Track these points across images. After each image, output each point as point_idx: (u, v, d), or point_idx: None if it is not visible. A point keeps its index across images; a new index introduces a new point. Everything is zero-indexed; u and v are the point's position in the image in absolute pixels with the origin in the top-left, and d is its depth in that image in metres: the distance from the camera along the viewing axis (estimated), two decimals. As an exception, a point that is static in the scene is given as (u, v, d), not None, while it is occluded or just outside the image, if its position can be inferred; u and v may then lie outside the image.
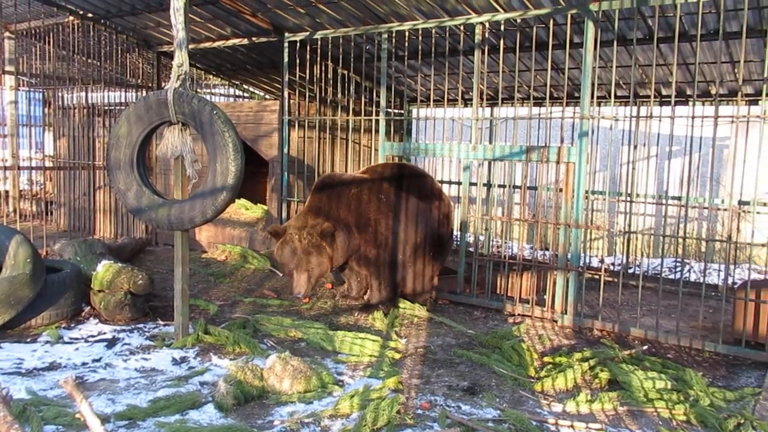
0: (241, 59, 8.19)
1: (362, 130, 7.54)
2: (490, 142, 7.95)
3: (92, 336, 4.89)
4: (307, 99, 7.21)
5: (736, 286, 5.40)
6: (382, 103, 6.52)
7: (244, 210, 8.30)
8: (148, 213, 4.73)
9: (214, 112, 4.47)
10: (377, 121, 6.64)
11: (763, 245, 5.39)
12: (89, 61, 8.93)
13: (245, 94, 10.80)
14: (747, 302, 4.78)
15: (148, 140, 4.85)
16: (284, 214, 7.21)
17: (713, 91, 6.60)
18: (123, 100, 8.99)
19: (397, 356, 4.66)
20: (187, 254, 4.81)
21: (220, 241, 8.09)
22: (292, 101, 7.28)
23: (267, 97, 10.22)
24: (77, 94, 9.14)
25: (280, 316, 5.52)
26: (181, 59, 4.50)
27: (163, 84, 8.81)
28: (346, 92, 7.39)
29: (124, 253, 7.19)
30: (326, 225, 5.31)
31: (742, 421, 3.51)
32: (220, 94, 11.15)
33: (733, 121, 6.49)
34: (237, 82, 10.23)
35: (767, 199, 6.10)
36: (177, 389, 3.83)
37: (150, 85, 9.12)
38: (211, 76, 10.14)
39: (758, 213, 5.04)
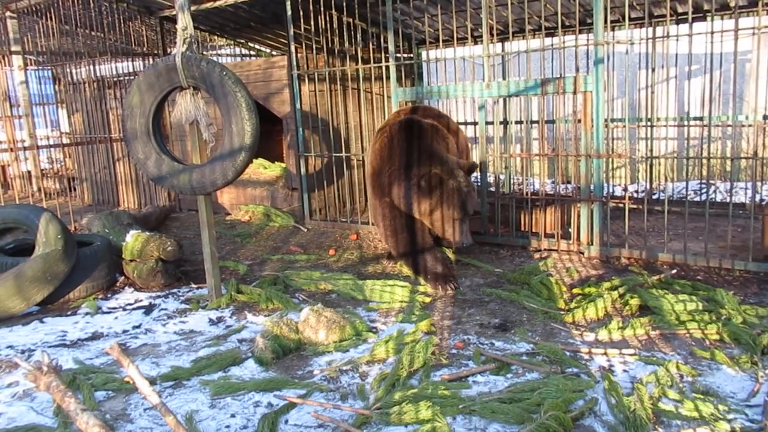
0: (244, 17, 8.06)
1: (373, 78, 7.44)
2: (504, 79, 7.80)
3: (129, 304, 5.02)
4: (314, 52, 7.11)
5: (764, 203, 5.33)
6: (391, 48, 6.40)
7: (262, 169, 8.33)
8: (169, 180, 4.78)
9: (224, 73, 4.44)
10: (387, 67, 6.54)
11: (790, 159, 5.29)
12: (93, 33, 8.87)
13: (252, 53, 10.68)
14: (776, 218, 4.72)
15: (161, 108, 4.85)
16: (303, 170, 7.22)
17: (732, 3, 6.35)
18: (131, 70, 8.96)
19: (428, 300, 4.73)
20: (212, 217, 4.87)
21: (242, 202, 8.16)
22: (299, 55, 7.18)
23: (274, 53, 10.09)
24: (85, 68, 9.12)
25: (309, 270, 5.60)
26: (184, 22, 4.45)
27: (169, 50, 8.74)
28: (354, 41, 7.26)
29: (150, 222, 7.30)
30: (469, 162, 5.26)
31: (775, 336, 3.52)
32: (227, 55, 11.04)
33: (754, 33, 6.27)
34: (242, 41, 10.10)
35: (793, 111, 5.94)
36: (217, 348, 3.95)
37: (156, 52, 9.06)
38: (215, 38, 10.02)
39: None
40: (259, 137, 4.62)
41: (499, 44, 8.05)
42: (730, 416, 2.80)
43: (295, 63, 7.09)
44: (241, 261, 6.07)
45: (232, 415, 3.10)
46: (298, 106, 7.14)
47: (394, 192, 5.07)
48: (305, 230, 7.13)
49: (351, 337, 3.99)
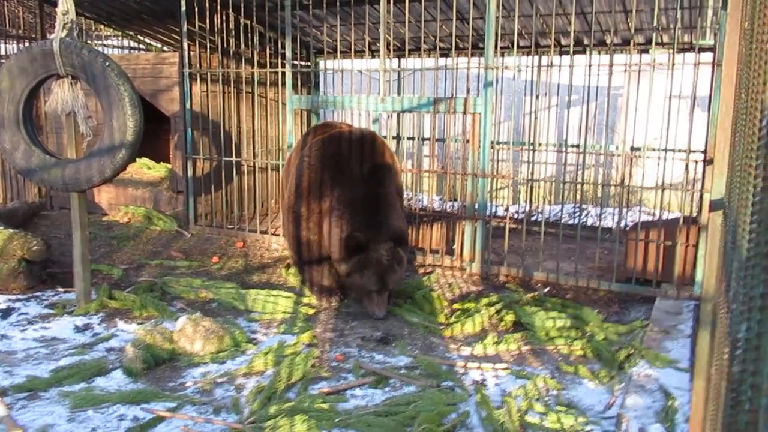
0: (135, 8, 7.67)
1: (268, 83, 7.31)
2: (399, 94, 7.95)
3: (-17, 308, 4.58)
4: (208, 51, 6.88)
5: (628, 228, 5.76)
6: (288, 54, 6.33)
7: (146, 169, 7.94)
8: (39, 174, 4.43)
9: (107, 64, 4.20)
10: (284, 73, 6.46)
11: (652, 188, 5.76)
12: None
13: (141, 46, 10.18)
14: (637, 242, 5.11)
15: (34, 95, 4.51)
16: (190, 173, 6.95)
17: (608, 40, 6.86)
18: (3, 53, 8.25)
19: (311, 311, 4.68)
20: (86, 217, 4.56)
21: (122, 202, 7.72)
22: (192, 53, 6.93)
23: (165, 49, 9.68)
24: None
25: (190, 277, 5.38)
26: (66, 6, 4.17)
27: (48, 35, 8.14)
28: (250, 43, 7.11)
29: (16, 219, 6.73)
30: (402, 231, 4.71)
31: (632, 352, 3.80)
32: (114, 46, 10.44)
33: (626, 70, 6.80)
34: (131, 33, 9.61)
35: (656, 144, 6.49)
36: (81, 357, 3.69)
37: (33, 36, 8.40)
38: (102, 27, 9.46)
39: (648, 158, 5.36)
40: (144, 135, 4.40)
41: (396, 60, 8.20)
42: (588, 428, 2.97)
43: (187, 61, 6.83)
44: (117, 265, 5.72)
45: (93, 430, 2.90)
46: (188, 105, 6.87)
47: (326, 227, 4.57)
48: (189, 235, 6.85)
49: (229, 348, 3.86)
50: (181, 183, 7.24)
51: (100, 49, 8.69)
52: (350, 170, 4.59)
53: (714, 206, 2.75)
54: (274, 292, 4.90)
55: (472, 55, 6.60)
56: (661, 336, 4.09)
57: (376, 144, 4.79)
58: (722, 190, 2.64)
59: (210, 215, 7.20)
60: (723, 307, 1.98)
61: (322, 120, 8.40)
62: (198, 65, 6.95)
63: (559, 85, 7.05)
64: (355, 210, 4.44)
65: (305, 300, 4.88)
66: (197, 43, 6.88)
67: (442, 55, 7.63)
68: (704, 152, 5.10)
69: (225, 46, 6.93)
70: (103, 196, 7.85)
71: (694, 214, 5.38)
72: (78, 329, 4.21)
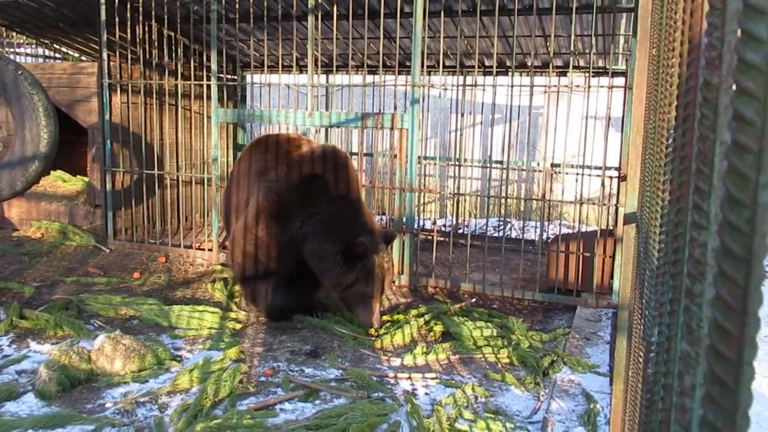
0: (50, 15, 7.34)
1: (193, 96, 7.16)
2: (327, 109, 7.97)
3: None
4: (129, 61, 6.67)
5: (549, 241, 5.99)
6: (213, 67, 6.24)
7: (61, 182, 7.57)
8: (-59, 187, 4.16)
9: (19, 72, 4.01)
10: (209, 86, 6.35)
11: (571, 203, 6.02)
12: None
13: (57, 55, 9.74)
14: (558, 254, 5.33)
15: (-64, 104, 4.23)
16: (109, 186, 6.69)
17: (529, 63, 7.16)
18: None
19: (238, 326, 4.59)
20: (-6, 232, 4.30)
21: (34, 217, 7.32)
22: (112, 63, 6.69)
23: (83, 58, 9.31)
24: None
25: (108, 294, 5.16)
26: (-27, 11, 3.95)
27: (-48, 40, 7.66)
28: (174, 55, 6.96)
29: None
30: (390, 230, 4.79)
31: (555, 359, 3.95)
32: (27, 54, 9.95)
33: (545, 91, 7.11)
34: (46, 41, 9.18)
35: (575, 161, 6.80)
36: (-11, 381, 3.46)
37: (-64, 40, 7.89)
38: (14, 34, 9.00)
39: (567, 173, 5.61)
40: (59, 147, 4.22)
41: (324, 76, 8.23)
42: (515, 434, 3.06)
43: (106, 71, 6.60)
44: (28, 282, 5.41)
45: (3, 459, 2.72)
46: (107, 117, 6.63)
47: (309, 247, 4.40)
48: (107, 251, 6.58)
49: (152, 366, 3.72)
50: (99, 197, 6.95)
51: (11, 57, 8.27)
52: (324, 187, 4.47)
53: (628, 219, 2.92)
54: (200, 308, 4.78)
55: (399, 72, 6.73)
56: (583, 343, 4.28)
57: (339, 157, 4.66)
58: (635, 204, 2.81)
59: (130, 230, 6.95)
60: (638, 314, 2.10)
61: (257, 133, 8.33)
62: (118, 76, 6.73)
63: (483, 103, 7.29)
64: (344, 221, 4.37)
65: (232, 315, 4.78)
66: (117, 53, 6.66)
67: (369, 72, 7.72)
68: (618, 169, 5.39)
69: (147, 57, 6.75)
70: (14, 210, 7.42)
71: (611, 227, 5.66)
72: (-15, 352, 3.95)
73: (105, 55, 6.56)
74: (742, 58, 0.44)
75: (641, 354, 1.72)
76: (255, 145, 5.02)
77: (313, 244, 4.38)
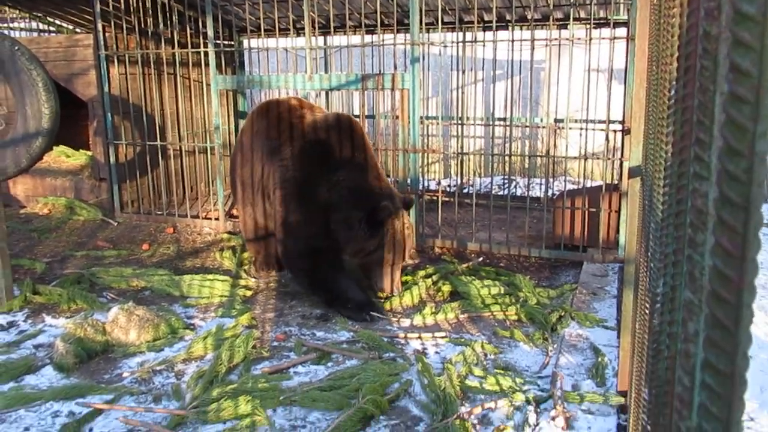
0: (42, -13, 7.25)
1: (191, 64, 7.09)
2: (326, 72, 7.89)
3: None
4: (125, 32, 6.60)
5: (554, 197, 5.99)
6: (210, 34, 6.16)
7: (65, 157, 7.58)
8: (-54, 167, 4.17)
9: (16, 47, 3.98)
10: (206, 53, 6.29)
11: (576, 158, 5.99)
12: None
13: (51, 29, 9.62)
14: (564, 210, 5.33)
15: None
16: (112, 159, 6.69)
17: (529, 16, 7.03)
18: None
19: (249, 293, 4.65)
20: (2, 210, 4.33)
21: (40, 193, 7.35)
22: (108, 34, 6.62)
23: (78, 30, 9.20)
24: None
25: (119, 266, 5.22)
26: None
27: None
28: (169, 23, 6.87)
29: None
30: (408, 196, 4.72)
31: (562, 314, 3.99)
32: (21, 29, 9.83)
33: (547, 45, 7.00)
34: (39, 15, 9.06)
35: (578, 116, 6.74)
36: (7, 356, 3.53)
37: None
38: (6, 9, 8.88)
39: (570, 129, 5.57)
40: (60, 122, 4.21)
41: (321, 38, 8.12)
42: (525, 387, 3.12)
43: (102, 42, 6.53)
44: (39, 259, 5.47)
45: (26, 429, 2.80)
46: (106, 89, 6.59)
47: (336, 216, 4.29)
48: (115, 224, 6.62)
49: (166, 335, 3.79)
50: (103, 170, 6.96)
51: (6, 32, 8.19)
52: (342, 155, 4.39)
53: (632, 173, 2.91)
54: (210, 277, 4.83)
55: (398, 31, 6.62)
56: (590, 298, 4.31)
57: (353, 125, 4.56)
58: (639, 157, 2.80)
59: (137, 202, 6.98)
60: (643, 267, 2.12)
61: (257, 99, 8.26)
62: (115, 47, 6.67)
63: (484, 60, 7.19)
64: (366, 188, 4.31)
65: (242, 282, 4.84)
66: (113, 24, 6.58)
67: (368, 32, 7.62)
68: (622, 123, 5.35)
69: (143, 26, 6.67)
70: (20, 187, 7.46)
71: (616, 182, 5.64)
72: (2, 328, 4.02)
73: (100, 26, 6.48)
74: (738, 9, 0.44)
75: (647, 306, 1.74)
76: (258, 114, 4.88)
77: (340, 212, 4.28)
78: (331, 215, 4.30)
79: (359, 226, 4.21)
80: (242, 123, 8.28)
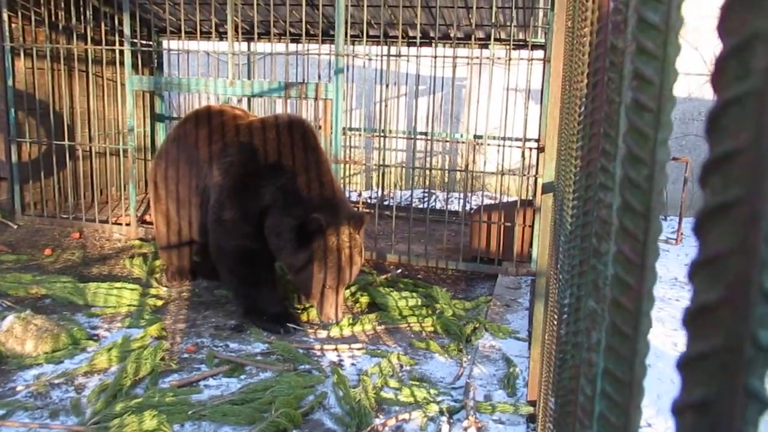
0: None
1: (105, 62, 6.78)
2: (249, 78, 7.76)
3: None
4: (33, 23, 6.24)
5: (472, 211, 6.12)
6: (126, 32, 5.92)
7: (-40, 154, 7.04)
8: None
9: None
10: (122, 52, 6.03)
11: (493, 174, 6.16)
12: None
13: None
14: (480, 224, 5.46)
15: None
16: (15, 158, 6.28)
17: (452, 34, 7.21)
18: None
19: (160, 303, 4.46)
20: None
21: (-70, 192, 6.79)
22: (14, 25, 6.23)
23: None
24: None
25: (17, 272, 4.88)
26: None
27: None
28: (83, 17, 6.55)
29: None
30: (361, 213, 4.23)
31: (477, 326, 4.07)
32: None
33: (468, 63, 7.19)
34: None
35: (497, 133, 6.95)
36: None
37: None
38: None
39: (489, 145, 5.73)
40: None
41: (245, 43, 7.99)
42: (439, 398, 3.14)
43: (7, 34, 6.14)
44: (-75, 262, 5.04)
45: None
46: (10, 83, 6.19)
47: (268, 221, 3.99)
48: (15, 227, 6.21)
49: (67, 346, 3.57)
50: (4, 169, 6.52)
51: None
52: (289, 157, 4.11)
53: (545, 189, 3.02)
54: (118, 285, 4.60)
55: (323, 41, 6.61)
56: (503, 309, 4.42)
57: (306, 128, 4.31)
58: (552, 174, 2.90)
59: (40, 204, 6.57)
60: (553, 279, 2.19)
61: (175, 102, 8.03)
62: (21, 39, 6.29)
63: (407, 75, 7.30)
64: (305, 195, 3.96)
65: (153, 291, 4.64)
66: (19, 14, 6.21)
67: (292, 41, 7.56)
68: (537, 141, 5.55)
69: (53, 19, 6.33)
70: None
71: (530, 197, 5.84)
72: None
73: (5, 16, 6.10)
74: (642, 17, 0.45)
75: (555, 316, 1.79)
76: (195, 119, 4.63)
77: (273, 218, 3.98)
78: (266, 219, 4.06)
79: (288, 236, 3.90)
80: (161, 125, 8.00)
